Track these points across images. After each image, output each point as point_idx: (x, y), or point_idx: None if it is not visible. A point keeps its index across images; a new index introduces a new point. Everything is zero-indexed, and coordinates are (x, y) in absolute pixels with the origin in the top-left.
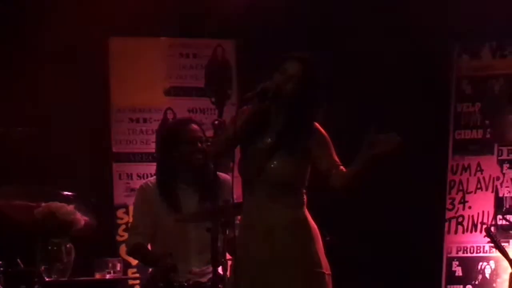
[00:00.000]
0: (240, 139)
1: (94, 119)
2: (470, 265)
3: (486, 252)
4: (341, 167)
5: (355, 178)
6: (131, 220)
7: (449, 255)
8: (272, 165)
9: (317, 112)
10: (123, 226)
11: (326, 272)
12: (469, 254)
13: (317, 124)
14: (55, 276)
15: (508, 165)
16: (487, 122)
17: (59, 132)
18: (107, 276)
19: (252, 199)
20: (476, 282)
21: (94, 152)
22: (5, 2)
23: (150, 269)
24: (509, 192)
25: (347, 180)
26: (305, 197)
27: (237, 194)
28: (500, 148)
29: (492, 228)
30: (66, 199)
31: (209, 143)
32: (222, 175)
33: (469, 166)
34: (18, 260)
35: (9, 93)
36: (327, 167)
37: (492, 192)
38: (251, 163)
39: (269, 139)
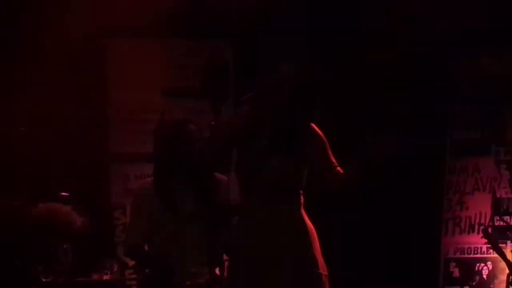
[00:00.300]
0: (238, 141)
1: (91, 120)
2: (468, 266)
3: (484, 253)
4: (338, 168)
5: (352, 180)
6: (128, 220)
7: (446, 256)
8: (269, 167)
9: (313, 113)
10: (121, 227)
11: (323, 273)
12: (466, 255)
13: (313, 125)
14: (52, 277)
15: (505, 165)
16: (484, 123)
17: (56, 133)
18: (105, 277)
19: (249, 200)
20: (474, 283)
21: (92, 153)
22: (3, 2)
23: (147, 270)
24: (506, 193)
25: (343, 183)
26: (302, 198)
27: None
28: (497, 148)
29: (490, 229)
30: (63, 200)
31: (207, 144)
32: (218, 175)
33: (466, 167)
34: (16, 261)
35: (7, 94)
36: (324, 169)
37: (490, 193)
38: (249, 164)
39: (266, 141)
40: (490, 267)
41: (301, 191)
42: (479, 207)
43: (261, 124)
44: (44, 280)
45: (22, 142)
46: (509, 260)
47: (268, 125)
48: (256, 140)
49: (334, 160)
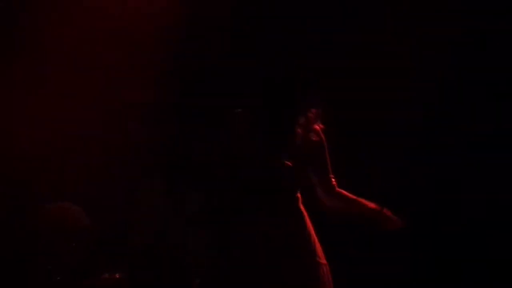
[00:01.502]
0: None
1: (98, 119)
2: None
3: None
4: (333, 180)
5: (345, 211)
6: (138, 219)
7: None
8: (267, 170)
9: (306, 113)
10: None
11: (323, 262)
12: None
13: (318, 130)
14: (62, 276)
15: None
16: None
17: (64, 132)
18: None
19: (246, 201)
20: None
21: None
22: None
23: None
24: None
25: (336, 205)
26: (299, 194)
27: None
28: None
29: None
30: (74, 200)
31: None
32: None
33: None
34: (26, 260)
35: (17, 91)
36: (318, 178)
37: None
38: (245, 168)
39: (262, 144)
40: None
41: (299, 188)
42: None
43: (256, 129)
44: (54, 279)
45: (30, 141)
46: None
47: (262, 129)
48: (252, 143)
49: (329, 170)
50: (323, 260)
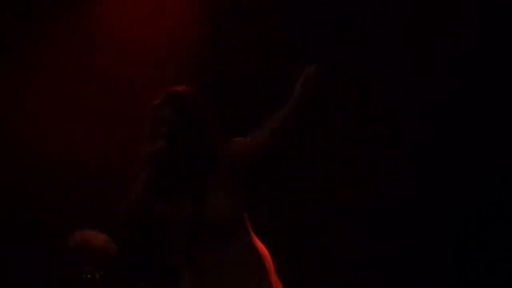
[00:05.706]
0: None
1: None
2: None
3: None
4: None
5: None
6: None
7: None
8: (208, 206)
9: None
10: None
11: None
12: None
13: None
14: None
15: None
16: None
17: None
18: None
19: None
20: None
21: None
22: None
23: None
24: None
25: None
26: (247, 222)
27: None
28: None
29: None
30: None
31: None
32: None
33: None
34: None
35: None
36: (262, 135)
37: None
38: (183, 214)
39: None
40: None
41: (244, 216)
42: None
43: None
44: None
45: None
46: None
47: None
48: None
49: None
50: None
